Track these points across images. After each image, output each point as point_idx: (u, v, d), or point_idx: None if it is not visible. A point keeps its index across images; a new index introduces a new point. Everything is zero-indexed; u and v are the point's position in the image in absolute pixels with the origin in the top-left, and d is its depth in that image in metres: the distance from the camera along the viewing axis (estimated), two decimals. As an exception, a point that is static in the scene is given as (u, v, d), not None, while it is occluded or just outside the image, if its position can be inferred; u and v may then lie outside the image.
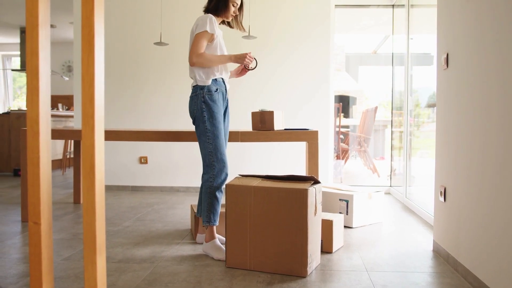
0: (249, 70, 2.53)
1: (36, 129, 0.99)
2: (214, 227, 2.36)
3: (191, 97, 2.40)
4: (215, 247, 2.31)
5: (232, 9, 2.45)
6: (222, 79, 2.43)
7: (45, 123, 1.01)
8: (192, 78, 2.43)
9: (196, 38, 2.33)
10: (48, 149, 1.02)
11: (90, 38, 0.97)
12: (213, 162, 2.32)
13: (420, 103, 3.90)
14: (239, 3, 2.47)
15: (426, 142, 3.72)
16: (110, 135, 3.03)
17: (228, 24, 2.58)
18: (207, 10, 2.47)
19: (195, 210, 2.63)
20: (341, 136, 5.90)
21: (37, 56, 0.98)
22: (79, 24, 4.49)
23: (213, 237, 2.34)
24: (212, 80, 2.36)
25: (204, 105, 2.32)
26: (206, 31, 2.31)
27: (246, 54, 2.39)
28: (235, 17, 2.55)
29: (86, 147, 0.97)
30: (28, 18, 0.97)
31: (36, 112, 0.99)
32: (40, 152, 1.01)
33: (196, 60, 2.31)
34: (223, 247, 2.32)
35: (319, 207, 2.17)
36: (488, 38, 1.76)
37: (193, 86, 2.40)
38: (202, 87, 2.34)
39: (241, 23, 2.60)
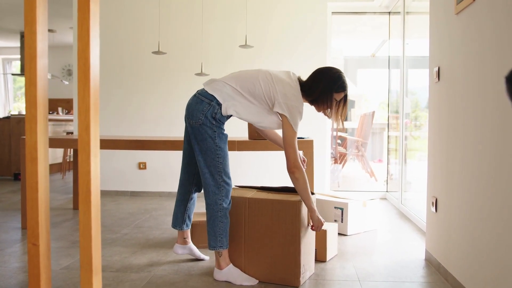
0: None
1: (34, 155, 1.03)
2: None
3: (201, 101, 2.08)
4: (238, 273, 2.14)
5: (334, 103, 2.14)
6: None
7: (43, 149, 1.05)
8: (213, 86, 2.11)
9: (292, 139, 2.06)
10: (46, 175, 1.06)
11: (86, 70, 1.01)
12: (222, 183, 2.09)
13: (419, 103, 3.92)
14: (342, 96, 2.14)
15: (424, 143, 3.72)
16: (108, 144, 3.07)
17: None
18: (304, 91, 2.14)
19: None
20: (339, 141, 5.94)
21: (35, 86, 1.02)
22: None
23: (229, 262, 2.17)
24: (227, 115, 2.11)
25: (214, 121, 2.08)
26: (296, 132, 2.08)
27: (323, 224, 2.13)
28: (337, 109, 2.17)
29: (83, 174, 1.02)
30: (27, 51, 1.01)
31: (35, 139, 1.03)
32: (38, 177, 1.05)
33: (299, 175, 2.06)
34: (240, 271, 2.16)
35: (313, 217, 2.22)
36: (478, 52, 1.81)
37: (211, 94, 2.08)
38: (220, 104, 2.07)
39: (341, 117, 2.18)
